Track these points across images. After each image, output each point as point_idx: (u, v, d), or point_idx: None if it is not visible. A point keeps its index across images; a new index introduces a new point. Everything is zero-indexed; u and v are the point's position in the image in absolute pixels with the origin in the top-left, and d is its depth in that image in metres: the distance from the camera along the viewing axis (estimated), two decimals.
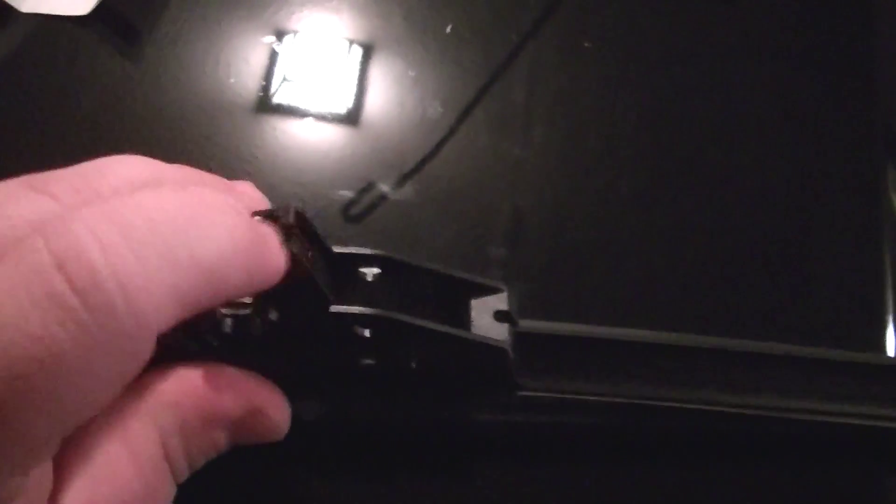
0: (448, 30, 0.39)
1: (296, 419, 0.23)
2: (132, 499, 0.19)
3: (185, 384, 0.21)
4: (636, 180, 0.35)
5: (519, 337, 0.23)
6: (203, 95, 0.36)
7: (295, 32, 0.38)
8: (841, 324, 0.33)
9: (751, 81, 0.38)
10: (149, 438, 0.20)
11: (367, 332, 0.22)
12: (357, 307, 0.21)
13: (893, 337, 0.32)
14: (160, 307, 0.16)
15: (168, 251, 0.16)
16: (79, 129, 0.35)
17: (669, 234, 0.34)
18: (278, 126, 0.36)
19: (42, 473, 0.17)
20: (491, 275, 0.26)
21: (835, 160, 0.37)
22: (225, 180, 0.23)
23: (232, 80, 0.37)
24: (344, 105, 0.36)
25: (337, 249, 0.22)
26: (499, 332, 0.23)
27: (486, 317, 0.23)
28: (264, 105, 0.36)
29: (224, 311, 0.21)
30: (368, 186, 0.34)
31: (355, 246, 0.23)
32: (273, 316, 0.21)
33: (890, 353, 0.32)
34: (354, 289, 0.23)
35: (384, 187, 0.34)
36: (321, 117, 0.36)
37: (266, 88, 0.37)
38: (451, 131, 0.36)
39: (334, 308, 0.21)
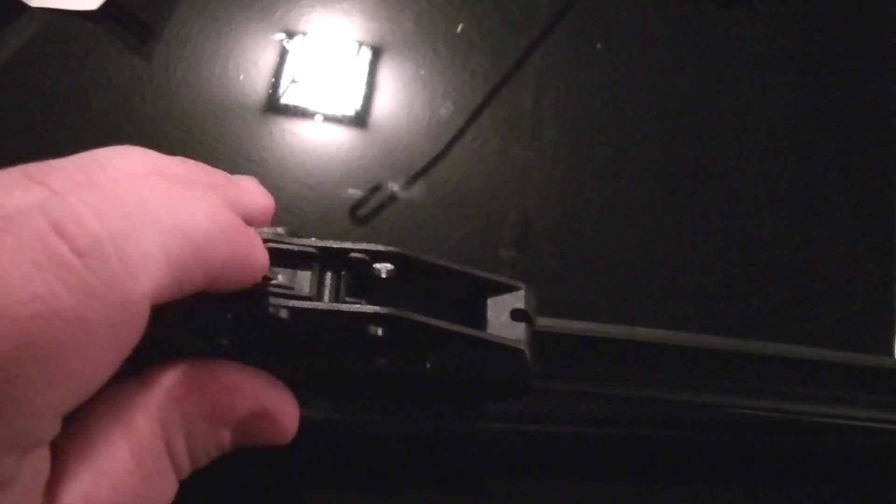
0: (459, 29, 0.38)
1: (304, 420, 0.22)
2: (132, 493, 0.19)
3: (192, 381, 0.20)
4: (645, 184, 0.35)
5: (536, 336, 0.23)
6: (212, 95, 0.36)
7: (305, 34, 0.38)
8: (851, 328, 0.33)
9: (762, 87, 0.38)
10: (152, 433, 0.19)
11: (380, 332, 0.22)
12: (369, 306, 0.21)
13: None
14: (153, 271, 0.17)
15: (157, 221, 0.17)
16: (87, 126, 0.35)
17: (678, 239, 0.34)
18: (287, 127, 0.36)
19: (39, 460, 0.17)
20: (501, 275, 0.26)
21: (846, 166, 0.37)
22: (227, 174, 0.23)
23: (241, 81, 0.36)
24: (353, 106, 0.36)
25: (350, 247, 0.22)
26: (516, 332, 0.23)
27: (503, 316, 0.23)
28: (273, 106, 0.36)
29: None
30: (377, 187, 0.34)
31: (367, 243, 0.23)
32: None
33: None
34: (368, 286, 0.22)
35: (393, 188, 0.34)
36: (330, 118, 0.36)
37: (275, 89, 0.36)
38: (461, 134, 0.36)
39: (346, 307, 0.21)
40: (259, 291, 0.20)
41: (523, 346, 0.22)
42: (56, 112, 0.35)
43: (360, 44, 0.38)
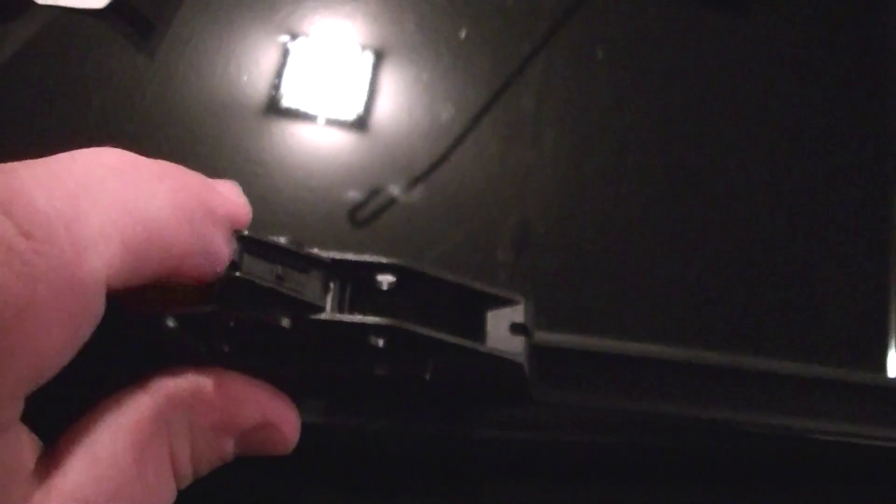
0: (462, 35, 0.38)
1: (302, 425, 0.23)
2: (130, 497, 0.19)
3: (199, 388, 0.20)
4: (645, 191, 0.35)
5: (535, 350, 0.23)
6: (214, 96, 0.36)
7: (307, 35, 0.38)
8: (845, 343, 0.33)
9: (761, 95, 0.38)
10: (158, 441, 0.20)
11: (381, 342, 0.22)
12: (370, 317, 0.21)
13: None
14: (105, 254, 0.16)
15: (113, 202, 0.17)
16: (87, 123, 0.35)
17: (677, 245, 0.34)
18: (288, 128, 0.36)
19: (8, 445, 0.17)
20: (498, 281, 0.26)
21: (845, 178, 0.37)
22: (204, 177, 0.22)
23: (243, 82, 0.36)
24: (354, 109, 0.36)
25: (352, 257, 0.22)
26: (515, 345, 0.23)
27: (502, 329, 0.23)
28: (274, 107, 0.36)
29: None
30: (377, 190, 0.34)
31: (368, 251, 0.23)
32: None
33: (892, 374, 0.32)
34: (369, 297, 0.22)
35: (393, 191, 0.34)
36: (331, 121, 0.36)
37: (277, 90, 0.36)
38: (461, 138, 0.36)
39: (348, 317, 0.21)
40: (262, 297, 0.20)
41: (522, 360, 0.22)
42: (57, 108, 0.35)
43: (363, 47, 0.38)
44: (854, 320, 0.33)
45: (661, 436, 0.27)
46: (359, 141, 0.36)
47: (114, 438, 0.19)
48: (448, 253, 0.33)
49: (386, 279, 0.22)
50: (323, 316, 0.21)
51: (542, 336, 0.23)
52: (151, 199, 0.18)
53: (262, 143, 0.35)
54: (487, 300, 0.23)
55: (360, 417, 0.27)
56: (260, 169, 0.35)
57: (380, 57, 0.38)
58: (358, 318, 0.21)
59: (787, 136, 0.38)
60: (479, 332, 0.23)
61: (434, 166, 0.35)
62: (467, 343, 0.22)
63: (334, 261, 0.22)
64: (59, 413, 0.19)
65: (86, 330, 0.17)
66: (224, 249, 0.20)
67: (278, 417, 0.21)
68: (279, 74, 0.37)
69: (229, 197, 0.21)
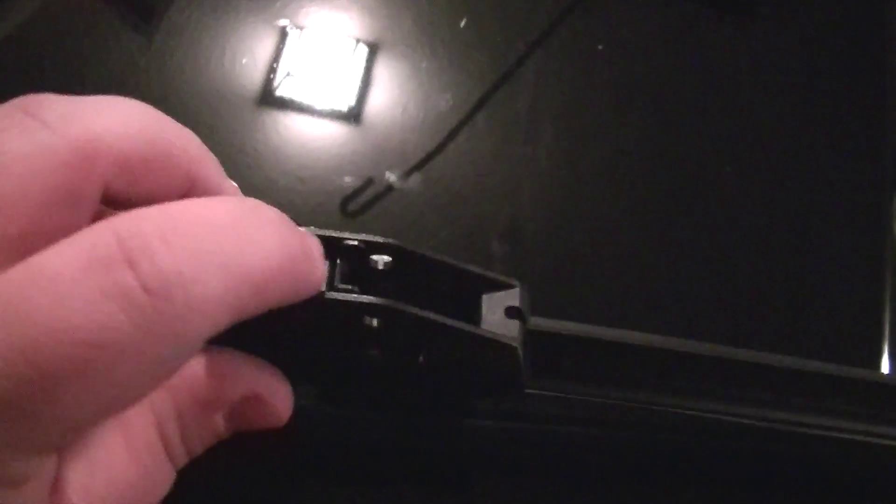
0: (459, 28, 0.38)
1: (292, 415, 0.22)
2: (128, 484, 0.19)
3: (183, 369, 0.20)
4: (639, 189, 0.35)
5: (530, 335, 0.23)
6: (208, 84, 0.36)
7: (303, 26, 0.38)
8: (840, 340, 0.33)
9: (759, 96, 0.39)
10: (145, 423, 0.20)
11: (374, 322, 0.22)
12: (366, 296, 0.21)
13: (889, 356, 0.33)
14: (214, 314, 0.17)
15: (226, 261, 0.17)
16: None
17: (670, 243, 0.34)
18: (282, 119, 0.36)
19: (52, 460, 0.17)
20: (492, 272, 0.26)
21: (840, 178, 0.37)
22: (221, 169, 0.22)
23: (238, 71, 0.36)
24: (348, 101, 0.36)
25: (348, 236, 0.22)
26: (509, 329, 0.23)
27: (497, 313, 0.23)
28: (269, 97, 0.36)
29: None
30: (369, 181, 0.34)
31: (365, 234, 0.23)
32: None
33: (885, 370, 0.32)
34: (364, 277, 0.22)
35: (385, 182, 0.34)
36: (326, 112, 0.36)
37: (271, 81, 0.36)
38: (456, 131, 0.36)
39: (343, 296, 0.21)
40: None
41: (516, 343, 0.22)
42: (51, 89, 0.35)
43: (358, 38, 0.38)
44: (848, 317, 0.33)
45: (653, 426, 0.27)
46: (353, 132, 0.36)
47: (106, 435, 0.19)
48: (441, 245, 0.33)
49: (382, 259, 0.22)
50: (317, 294, 0.21)
51: (538, 321, 0.23)
52: (261, 259, 0.18)
53: (257, 133, 0.35)
54: (483, 284, 0.23)
55: (350, 406, 0.26)
56: (253, 159, 0.34)
57: (375, 48, 0.38)
58: (353, 297, 0.21)
59: (784, 136, 0.38)
60: (474, 315, 0.23)
61: (428, 158, 0.35)
62: (461, 325, 0.22)
63: (330, 239, 0.22)
64: None
65: (172, 374, 0.18)
66: (319, 279, 0.20)
67: (267, 390, 0.21)
68: (274, 64, 0.37)
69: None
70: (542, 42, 0.39)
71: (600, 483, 0.28)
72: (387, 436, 0.27)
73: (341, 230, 0.22)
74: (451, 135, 0.36)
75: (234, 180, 0.23)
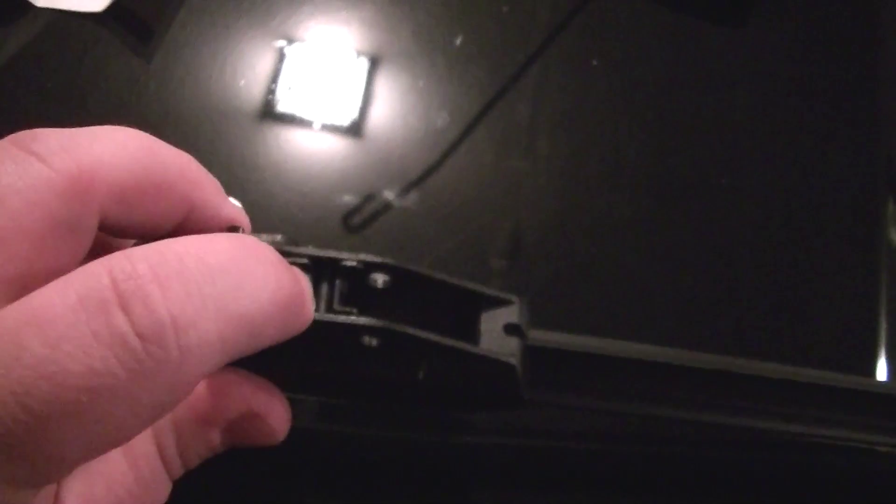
0: (458, 43, 0.39)
1: (291, 430, 0.23)
2: (126, 495, 0.19)
3: None
4: (637, 200, 0.36)
5: (529, 350, 0.23)
6: (209, 100, 0.36)
7: (303, 41, 0.38)
8: (834, 348, 0.33)
9: (754, 106, 0.39)
10: (144, 435, 0.20)
11: (374, 342, 0.22)
12: (363, 318, 0.21)
13: (885, 364, 0.33)
14: (208, 359, 0.17)
15: (222, 305, 0.17)
16: (82, 126, 0.35)
17: (669, 254, 0.34)
18: (283, 133, 0.36)
19: (51, 487, 0.18)
20: (492, 287, 0.26)
21: (836, 185, 0.37)
22: (221, 190, 0.22)
23: (239, 86, 0.37)
24: (349, 115, 0.36)
25: (347, 256, 0.22)
26: (508, 346, 0.23)
27: (496, 329, 0.23)
28: (270, 112, 0.36)
29: None
30: (370, 196, 0.34)
31: (363, 253, 0.23)
32: None
33: (881, 378, 0.33)
34: (363, 296, 0.22)
35: (386, 197, 0.34)
36: (326, 127, 0.36)
37: (272, 96, 0.36)
38: (456, 145, 0.36)
39: (341, 318, 0.21)
40: None
41: (514, 361, 0.22)
42: (53, 110, 0.36)
43: (358, 53, 0.38)
44: (844, 324, 0.34)
45: (652, 439, 0.27)
46: (353, 147, 0.36)
47: None
48: (441, 259, 0.33)
49: (380, 278, 0.22)
50: (316, 316, 0.21)
51: (537, 335, 0.23)
52: (255, 303, 0.18)
53: (257, 148, 0.35)
54: (482, 301, 0.23)
55: (349, 422, 0.27)
56: (254, 174, 0.35)
57: (375, 63, 0.38)
58: (351, 319, 0.21)
59: (778, 145, 0.38)
60: (473, 333, 0.23)
61: (428, 173, 0.35)
62: (460, 345, 0.22)
63: (328, 259, 0.22)
64: None
65: (165, 414, 0.17)
66: (307, 319, 0.20)
67: (264, 408, 0.22)
68: (275, 80, 0.37)
69: (239, 223, 0.21)
70: (540, 57, 0.39)
71: (600, 497, 0.28)
72: (384, 451, 0.27)
73: (341, 245, 0.22)
74: (450, 149, 0.36)
75: (236, 196, 0.24)
